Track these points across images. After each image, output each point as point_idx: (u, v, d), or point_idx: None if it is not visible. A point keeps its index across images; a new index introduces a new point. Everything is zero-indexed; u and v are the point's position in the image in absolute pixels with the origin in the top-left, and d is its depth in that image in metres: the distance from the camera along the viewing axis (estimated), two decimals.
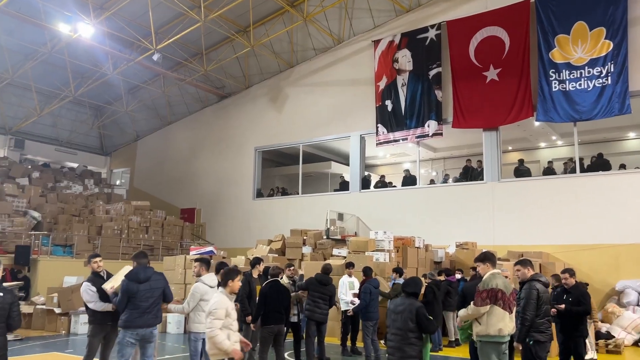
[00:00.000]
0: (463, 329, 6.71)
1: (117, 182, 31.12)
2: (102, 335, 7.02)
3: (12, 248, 17.07)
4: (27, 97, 25.30)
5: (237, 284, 5.71)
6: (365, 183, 21.51)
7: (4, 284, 6.31)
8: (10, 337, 6.21)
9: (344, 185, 22.27)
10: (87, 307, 7.05)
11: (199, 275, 7.34)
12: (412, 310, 5.60)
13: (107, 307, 6.90)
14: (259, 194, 24.38)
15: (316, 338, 9.62)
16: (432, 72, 19.49)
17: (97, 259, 7.28)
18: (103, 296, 6.93)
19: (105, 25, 19.60)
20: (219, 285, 6.10)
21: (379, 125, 20.55)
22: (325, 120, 22.47)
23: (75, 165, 29.33)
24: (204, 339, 7.20)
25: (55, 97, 25.23)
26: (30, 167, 25.66)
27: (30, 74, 23.27)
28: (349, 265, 11.25)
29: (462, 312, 6.41)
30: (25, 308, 13.95)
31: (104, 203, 23.34)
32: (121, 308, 6.45)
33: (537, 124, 18.79)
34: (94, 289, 6.96)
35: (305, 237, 17.72)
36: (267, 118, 24.43)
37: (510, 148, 23.02)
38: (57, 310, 13.63)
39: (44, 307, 14.09)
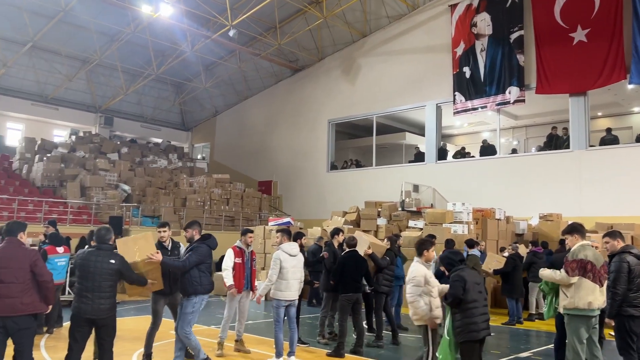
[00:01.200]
0: (549, 304, 6.48)
1: (199, 156, 32.43)
2: (165, 302, 7.17)
3: (106, 219, 18.33)
4: (114, 76, 26.74)
5: (431, 253, 6.07)
6: (441, 154, 21.04)
7: None
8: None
9: (419, 157, 21.90)
10: None
11: (281, 244, 7.57)
12: None
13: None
14: (333, 167, 24.54)
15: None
16: (514, 36, 18.52)
17: (162, 229, 7.25)
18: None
19: (182, 3, 20.19)
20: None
21: (457, 93, 19.91)
22: (399, 90, 22.08)
23: (159, 140, 30.85)
24: (286, 306, 7.49)
25: (139, 76, 26.49)
26: (119, 143, 27.27)
27: (116, 54, 24.52)
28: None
29: (547, 272, 6.16)
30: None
31: (188, 176, 24.47)
32: (189, 268, 6.51)
33: (630, 87, 17.46)
34: None
35: (379, 209, 17.69)
36: (340, 90, 24.37)
37: (599, 114, 21.56)
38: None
39: None
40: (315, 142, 25.07)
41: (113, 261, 5.63)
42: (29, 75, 25.10)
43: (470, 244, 11.68)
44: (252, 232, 8.36)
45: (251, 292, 8.25)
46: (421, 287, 5.79)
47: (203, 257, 6.60)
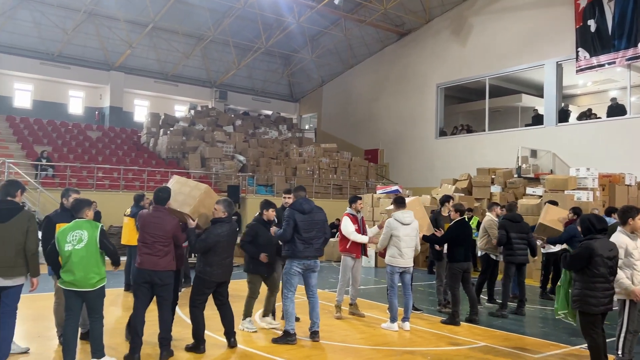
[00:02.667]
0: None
1: (307, 127, 33.12)
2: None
3: (225, 187, 19.46)
4: (227, 52, 27.92)
5: (638, 222, 5.45)
6: (562, 115, 19.59)
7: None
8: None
9: (537, 119, 20.57)
10: None
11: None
12: None
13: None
14: (442, 133, 23.86)
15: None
16: None
17: (287, 195, 7.57)
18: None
19: None
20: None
21: (580, 49, 18.29)
22: (514, 49, 20.74)
23: (269, 112, 31.91)
24: (400, 272, 7.54)
25: (249, 50, 27.41)
26: (233, 115, 28.60)
27: (228, 30, 25.52)
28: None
29: None
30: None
31: (297, 146, 25.15)
32: (286, 237, 6.59)
33: None
34: None
35: (493, 176, 16.99)
36: (449, 52, 23.43)
37: None
38: None
39: None
40: (423, 108, 24.48)
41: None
42: (151, 55, 26.99)
43: (611, 211, 10.76)
44: (361, 199, 8.46)
45: (364, 257, 8.43)
46: (621, 259, 5.35)
47: (294, 226, 6.58)
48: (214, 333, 6.62)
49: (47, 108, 25.19)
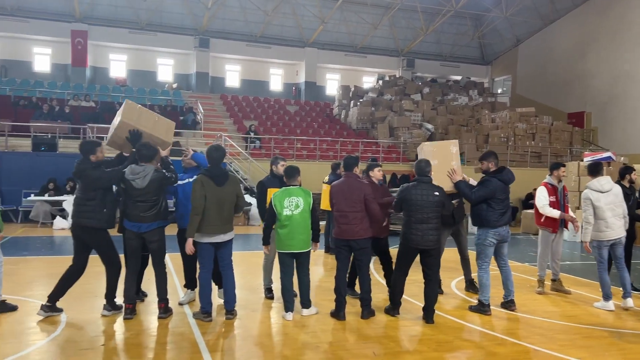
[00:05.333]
0: None
1: (499, 91, 31.19)
2: (449, 232, 7.32)
3: (413, 157, 19.46)
4: (414, 18, 27.49)
5: None
6: None
7: None
8: None
9: None
10: None
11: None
12: None
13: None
14: None
15: None
16: None
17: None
18: None
19: None
20: None
21: None
22: None
23: (458, 77, 30.75)
24: (609, 245, 6.75)
25: (437, 14, 26.59)
26: (420, 84, 28.22)
27: None
28: None
29: None
30: None
31: (489, 112, 23.87)
32: (476, 200, 6.33)
33: None
34: None
35: None
36: None
37: None
38: None
39: None
40: None
41: (437, 193, 5.92)
42: (341, 29, 27.88)
43: None
44: (564, 166, 7.67)
45: (565, 229, 7.68)
46: None
47: (491, 191, 6.26)
48: (411, 298, 6.75)
49: (252, 86, 27.87)
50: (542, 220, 7.52)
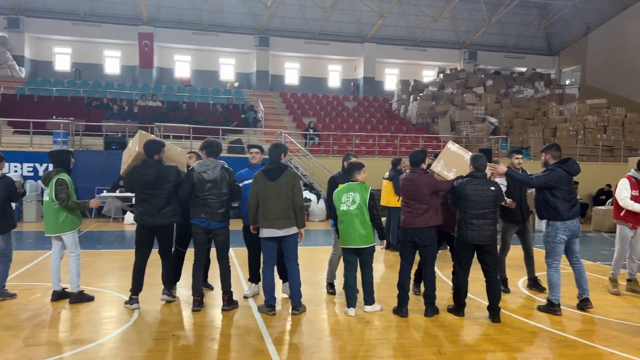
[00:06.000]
0: None
1: (567, 82, 29.83)
2: (515, 230, 7.07)
3: (476, 151, 18.94)
4: (476, 9, 26.74)
5: None
6: None
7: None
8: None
9: None
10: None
11: None
12: None
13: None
14: None
15: None
16: None
17: (518, 155, 7.16)
18: None
19: None
20: None
21: None
22: None
23: (523, 69, 29.65)
24: None
25: (501, 4, 25.74)
26: (483, 76, 27.44)
27: None
28: None
29: None
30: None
31: (557, 104, 22.90)
32: (533, 185, 6.15)
33: None
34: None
35: None
36: None
37: None
38: None
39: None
40: None
41: (492, 188, 5.76)
42: (400, 22, 27.55)
43: None
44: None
45: None
46: None
47: (554, 181, 5.95)
48: (476, 296, 6.60)
49: (311, 83, 28.07)
50: (621, 214, 7.13)
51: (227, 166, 6.01)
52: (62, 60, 26.04)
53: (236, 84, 26.56)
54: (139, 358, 4.62)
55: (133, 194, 6.42)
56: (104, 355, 4.65)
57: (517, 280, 7.76)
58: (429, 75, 29.58)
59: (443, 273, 8.22)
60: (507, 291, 7.02)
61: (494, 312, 5.81)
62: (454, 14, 27.65)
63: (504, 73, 29.22)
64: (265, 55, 26.92)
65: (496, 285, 5.85)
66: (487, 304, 5.90)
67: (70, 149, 9.37)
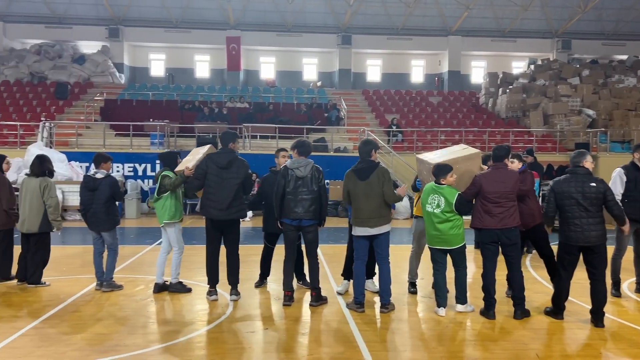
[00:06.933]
0: None
1: None
2: (633, 229, 6.41)
3: (572, 146, 17.89)
4: None
5: None
6: None
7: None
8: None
9: None
10: None
11: None
12: None
13: None
14: None
15: None
16: None
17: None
18: None
19: None
20: None
21: None
22: None
23: (624, 57, 27.50)
24: None
25: None
26: (578, 66, 25.78)
27: None
28: None
29: None
30: None
31: None
32: None
33: None
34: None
35: None
36: None
37: None
38: None
39: None
40: None
41: (593, 184, 5.39)
42: (487, 13, 26.54)
43: None
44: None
45: None
46: None
47: None
48: (576, 299, 6.24)
49: (393, 79, 27.79)
50: None
51: (317, 166, 6.12)
52: (157, 66, 27.65)
53: (319, 83, 26.87)
54: (234, 349, 4.82)
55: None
56: (202, 346, 4.89)
57: (623, 283, 7.24)
58: (518, 66, 28.25)
59: (537, 274, 7.85)
60: (619, 295, 6.58)
61: (597, 316, 5.46)
62: (545, 2, 26.20)
63: (602, 62, 27.24)
64: (347, 54, 27.00)
65: (602, 288, 5.47)
66: (590, 307, 5.55)
67: (177, 150, 9.99)
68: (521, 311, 5.69)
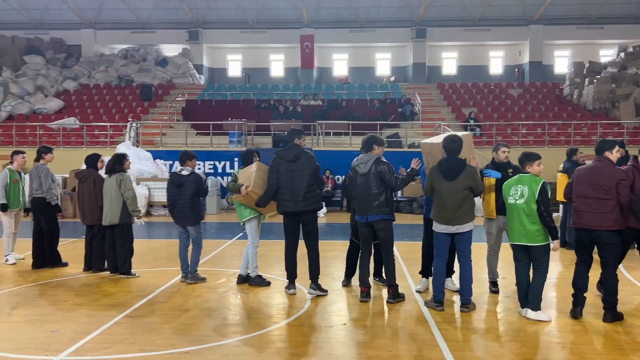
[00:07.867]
0: None
1: None
2: None
3: None
4: None
5: None
6: None
7: None
8: None
9: None
10: None
11: None
12: None
13: None
14: None
15: None
16: None
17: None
18: None
19: None
20: None
21: None
22: None
23: None
24: None
25: None
26: None
27: None
28: None
29: None
30: None
31: None
32: None
33: None
34: None
35: None
36: None
37: None
38: None
39: None
40: None
41: None
42: (572, 0, 25.10)
43: None
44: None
45: None
46: None
47: None
48: None
49: (470, 72, 26.95)
50: None
51: (384, 160, 6.04)
52: (234, 67, 28.50)
53: (392, 78, 26.57)
54: (314, 342, 4.89)
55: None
56: (282, 339, 5.01)
57: None
58: (607, 55, 26.48)
59: (631, 275, 7.35)
60: None
61: None
62: None
63: None
64: (422, 47, 26.50)
65: None
66: None
67: (255, 149, 10.32)
68: (611, 314, 5.37)
